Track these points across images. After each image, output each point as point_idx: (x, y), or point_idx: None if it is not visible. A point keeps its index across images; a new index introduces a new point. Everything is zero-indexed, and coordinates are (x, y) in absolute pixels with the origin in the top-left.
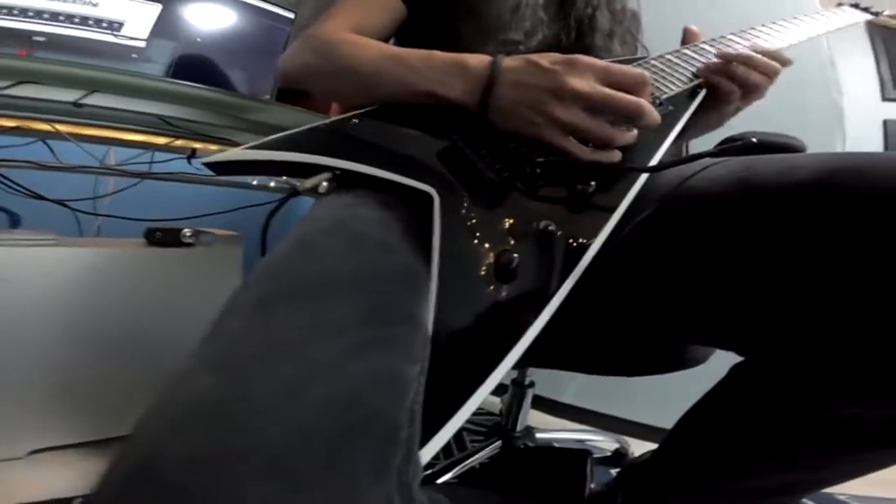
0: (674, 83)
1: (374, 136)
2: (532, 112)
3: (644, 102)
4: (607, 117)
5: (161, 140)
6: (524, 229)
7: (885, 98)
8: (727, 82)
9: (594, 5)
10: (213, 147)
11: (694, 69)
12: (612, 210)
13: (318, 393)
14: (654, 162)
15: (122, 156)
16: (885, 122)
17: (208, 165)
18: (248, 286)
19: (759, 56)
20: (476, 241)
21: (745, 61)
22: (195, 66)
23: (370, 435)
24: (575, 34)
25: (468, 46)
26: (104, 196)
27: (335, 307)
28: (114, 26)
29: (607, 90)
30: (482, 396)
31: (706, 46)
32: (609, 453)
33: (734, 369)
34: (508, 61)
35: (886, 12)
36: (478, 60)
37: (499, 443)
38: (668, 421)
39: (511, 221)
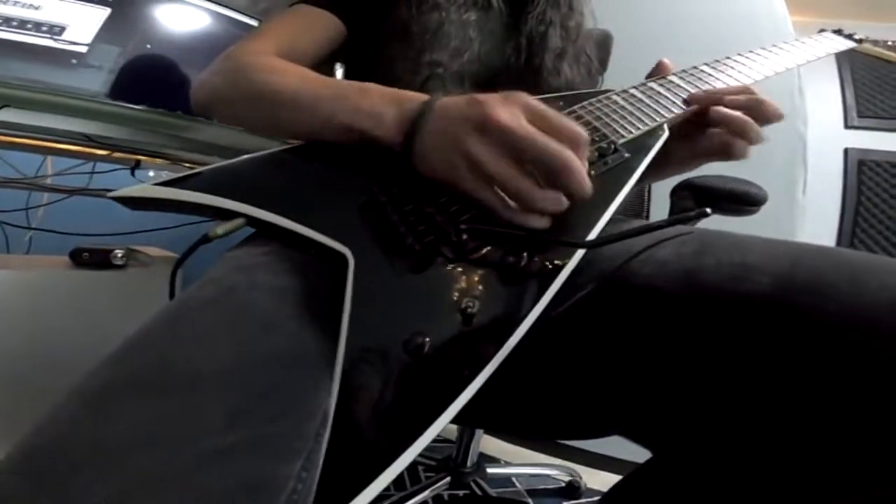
0: (633, 124)
1: (299, 178)
2: (452, 151)
3: (572, 158)
4: (531, 170)
5: (101, 151)
6: (442, 307)
7: (847, 126)
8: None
9: (547, 22)
10: (158, 160)
11: (661, 105)
12: (544, 289)
13: None
14: (601, 223)
15: (62, 164)
16: (846, 151)
17: (117, 200)
18: (99, 367)
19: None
20: (389, 315)
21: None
22: (141, 74)
23: None
24: (525, 55)
25: (398, 69)
26: (37, 207)
27: (194, 405)
28: (54, 30)
29: (535, 130)
30: (390, 477)
31: (675, 79)
32: (563, 484)
33: (644, 465)
34: (448, 98)
35: (866, 36)
36: (416, 95)
37: (447, 479)
38: (623, 451)
39: (429, 296)
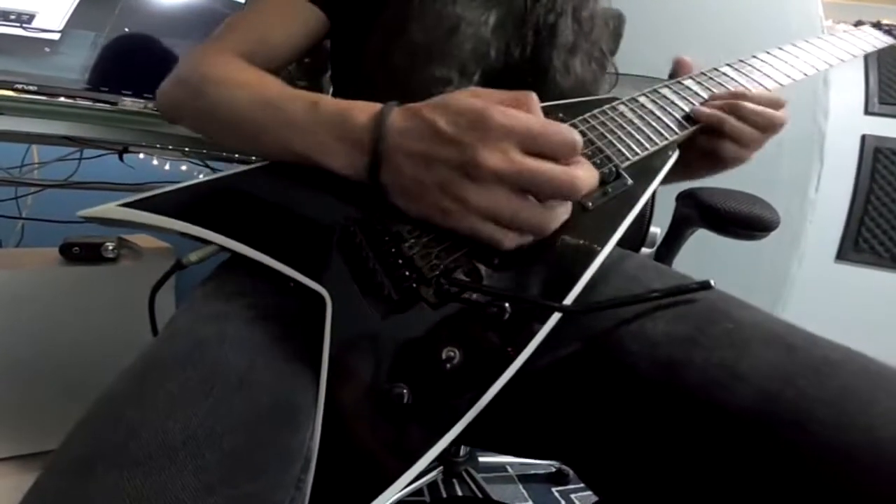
0: (640, 143)
1: (274, 203)
2: (440, 195)
3: (579, 179)
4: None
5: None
6: (423, 355)
7: (867, 112)
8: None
9: (558, 12)
10: (147, 146)
11: (673, 117)
12: (525, 342)
13: None
14: (598, 261)
15: (47, 151)
16: (864, 137)
17: (86, 219)
18: (71, 437)
19: (752, 105)
20: (368, 362)
21: (734, 110)
22: (120, 60)
23: None
24: (531, 48)
25: (400, 72)
26: (25, 196)
27: (170, 475)
28: (23, 18)
29: (532, 164)
30: None
31: (691, 84)
32: (553, 470)
33: None
34: (397, 118)
35: None
36: (364, 116)
37: (440, 468)
38: None
39: (409, 343)
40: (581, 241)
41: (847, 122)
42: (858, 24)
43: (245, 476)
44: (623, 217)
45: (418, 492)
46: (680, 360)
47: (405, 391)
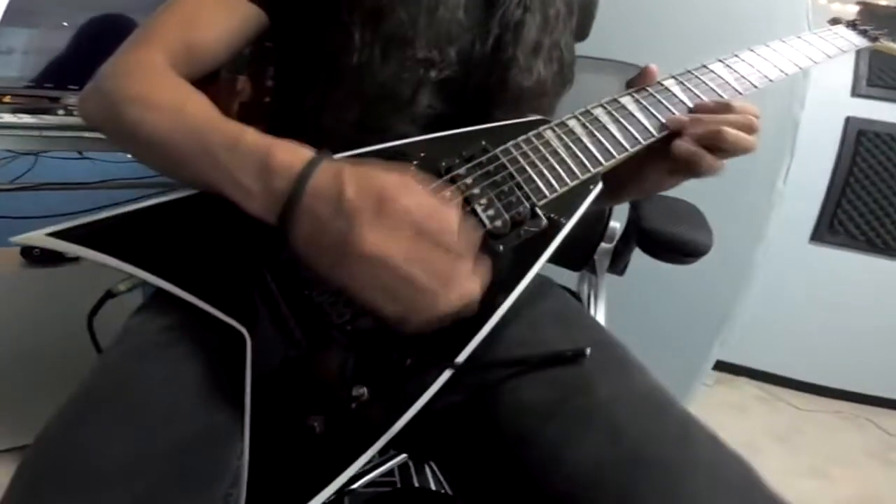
0: (561, 178)
1: (201, 238)
2: (336, 257)
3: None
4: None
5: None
6: (334, 392)
7: (854, 94)
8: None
9: (525, 5)
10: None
11: (601, 145)
12: (424, 389)
13: None
14: (504, 308)
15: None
16: (847, 119)
17: (22, 245)
18: (23, 465)
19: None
20: (286, 396)
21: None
22: (63, 53)
23: None
24: (493, 42)
25: (366, 62)
26: None
27: (105, 499)
28: None
29: (402, 258)
30: None
31: (629, 102)
32: None
33: None
34: (320, 176)
35: (883, 1)
36: (287, 162)
37: (404, 455)
38: None
39: (322, 381)
40: (486, 291)
41: (832, 103)
42: (834, 21)
43: (172, 496)
44: (532, 262)
45: (389, 472)
46: (533, 431)
47: (317, 423)
